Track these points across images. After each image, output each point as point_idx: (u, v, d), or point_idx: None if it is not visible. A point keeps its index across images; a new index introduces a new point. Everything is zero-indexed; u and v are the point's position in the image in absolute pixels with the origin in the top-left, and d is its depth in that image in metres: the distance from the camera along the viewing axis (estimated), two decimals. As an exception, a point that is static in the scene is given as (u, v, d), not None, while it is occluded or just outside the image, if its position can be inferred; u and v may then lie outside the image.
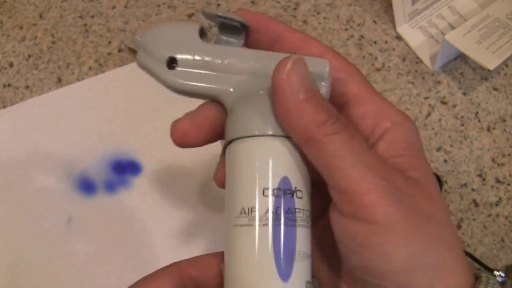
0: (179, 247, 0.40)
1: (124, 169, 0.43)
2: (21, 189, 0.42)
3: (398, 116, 0.24)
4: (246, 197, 0.21)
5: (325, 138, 0.20)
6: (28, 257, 0.40)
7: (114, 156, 0.44)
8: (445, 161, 0.44)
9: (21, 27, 0.51)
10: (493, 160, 0.44)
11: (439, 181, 0.42)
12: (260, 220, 0.21)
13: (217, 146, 0.44)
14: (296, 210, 0.21)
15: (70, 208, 0.42)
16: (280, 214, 0.21)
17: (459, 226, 0.42)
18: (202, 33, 0.24)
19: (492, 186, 0.43)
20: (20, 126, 0.45)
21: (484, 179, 0.44)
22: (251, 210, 0.21)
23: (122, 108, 0.46)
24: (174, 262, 0.24)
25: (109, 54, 0.49)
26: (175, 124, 0.24)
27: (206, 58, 0.23)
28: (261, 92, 0.22)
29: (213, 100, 0.24)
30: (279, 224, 0.21)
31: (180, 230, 0.41)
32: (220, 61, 0.23)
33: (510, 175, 0.44)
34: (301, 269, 0.21)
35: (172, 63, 0.23)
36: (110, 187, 0.43)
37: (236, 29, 0.24)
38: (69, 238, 0.41)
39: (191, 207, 0.42)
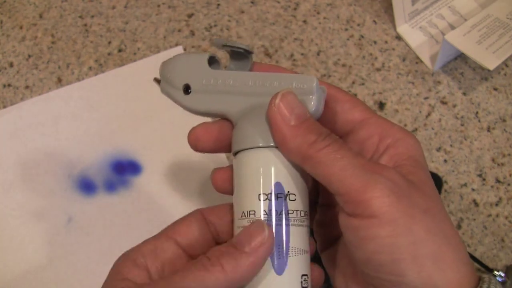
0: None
1: (124, 169, 0.43)
2: (21, 189, 0.42)
3: (400, 132, 0.26)
4: (245, 201, 0.25)
5: (317, 153, 0.23)
6: (28, 257, 0.40)
7: (114, 156, 0.44)
8: (445, 161, 0.44)
9: (21, 27, 0.51)
10: (493, 160, 0.44)
11: (439, 181, 0.42)
12: None
13: (217, 146, 0.44)
14: (290, 211, 0.24)
15: (70, 208, 0.42)
16: (273, 216, 0.24)
17: (459, 226, 0.42)
18: (213, 61, 0.27)
19: (492, 186, 0.43)
20: (20, 126, 0.45)
21: (484, 179, 0.44)
22: (249, 213, 0.24)
23: (122, 108, 0.46)
24: (198, 209, 0.27)
25: (109, 54, 0.49)
26: (191, 129, 0.28)
27: (213, 83, 0.27)
28: (257, 109, 0.25)
29: (223, 118, 0.28)
30: (273, 225, 0.24)
31: (180, 230, 0.41)
32: (225, 84, 0.27)
33: (510, 175, 0.44)
34: (296, 263, 0.24)
35: (187, 89, 0.27)
36: (110, 187, 0.43)
37: (243, 55, 0.27)
38: (69, 238, 0.41)
39: (191, 207, 0.42)
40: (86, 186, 0.43)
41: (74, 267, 0.40)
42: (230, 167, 0.27)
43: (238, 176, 0.26)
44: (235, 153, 0.26)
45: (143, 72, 0.47)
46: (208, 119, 0.29)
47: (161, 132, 0.45)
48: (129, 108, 0.46)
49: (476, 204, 0.43)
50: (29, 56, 0.49)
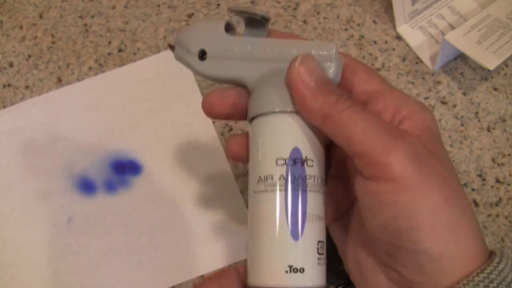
0: (180, 247, 0.40)
1: (124, 169, 0.43)
2: (21, 189, 0.42)
3: (416, 105, 0.26)
4: (262, 166, 0.25)
5: (338, 113, 0.23)
6: (28, 257, 0.40)
7: (114, 156, 0.44)
8: (445, 161, 0.44)
9: (21, 27, 0.51)
10: (493, 160, 0.44)
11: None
12: (273, 186, 0.24)
13: (218, 147, 0.44)
14: (307, 177, 0.24)
15: (70, 208, 0.42)
16: (291, 181, 0.24)
17: (459, 226, 0.42)
18: (229, 28, 0.27)
19: (492, 186, 0.43)
20: (20, 126, 0.45)
21: (484, 179, 0.44)
22: (266, 178, 0.24)
23: (122, 108, 0.46)
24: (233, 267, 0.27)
25: (109, 54, 0.49)
26: (206, 96, 0.28)
27: (230, 49, 0.26)
28: (275, 75, 0.25)
29: (238, 85, 0.27)
30: (290, 190, 0.24)
31: (180, 230, 0.41)
32: (242, 50, 0.26)
33: (510, 175, 0.44)
34: (312, 230, 0.24)
35: (202, 55, 0.27)
36: (110, 187, 0.43)
37: (259, 22, 0.27)
38: (69, 238, 0.41)
39: (191, 207, 0.42)
40: (86, 186, 0.43)
41: (74, 267, 0.40)
42: (246, 134, 0.27)
43: (254, 141, 0.25)
44: (252, 119, 0.26)
45: (143, 72, 0.47)
46: (190, 106, 0.28)
47: (161, 132, 0.45)
48: (129, 108, 0.46)
49: (476, 204, 0.43)
50: (29, 56, 0.49)
